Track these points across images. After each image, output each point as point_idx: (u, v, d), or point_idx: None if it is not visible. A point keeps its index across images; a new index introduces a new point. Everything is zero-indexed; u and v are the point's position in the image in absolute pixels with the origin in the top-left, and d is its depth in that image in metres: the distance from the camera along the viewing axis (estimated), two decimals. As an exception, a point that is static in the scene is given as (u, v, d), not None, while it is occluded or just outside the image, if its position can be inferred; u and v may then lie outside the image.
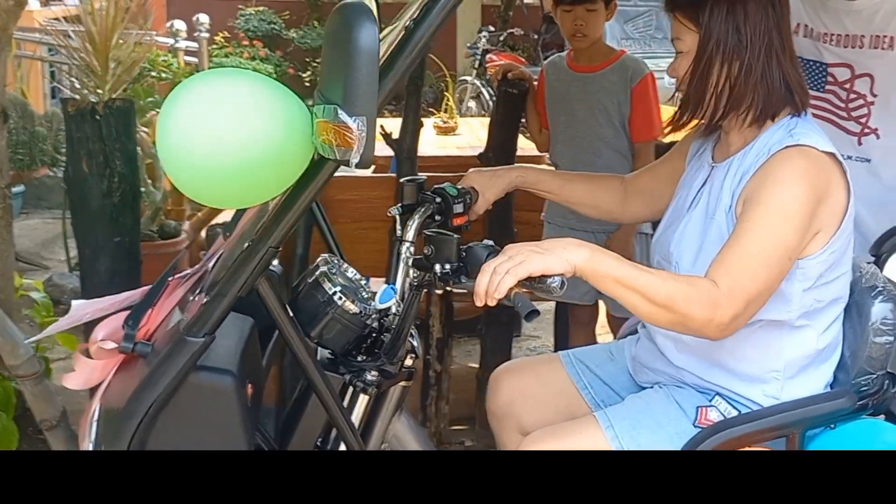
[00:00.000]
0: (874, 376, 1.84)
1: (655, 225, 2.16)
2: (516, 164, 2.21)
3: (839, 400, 1.82)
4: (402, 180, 1.97)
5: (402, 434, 2.04)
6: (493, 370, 2.28)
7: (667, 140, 2.58)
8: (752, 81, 1.81)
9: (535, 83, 3.35)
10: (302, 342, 1.70)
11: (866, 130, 2.53)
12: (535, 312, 1.64)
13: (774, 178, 1.75)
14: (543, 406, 2.14)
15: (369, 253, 2.95)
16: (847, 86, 2.56)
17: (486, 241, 1.77)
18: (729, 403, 1.89)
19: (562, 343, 3.54)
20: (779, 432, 1.82)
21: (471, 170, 2.15)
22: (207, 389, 1.66)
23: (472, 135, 5.73)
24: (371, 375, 1.86)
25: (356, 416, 1.88)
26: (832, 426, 1.83)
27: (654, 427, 1.88)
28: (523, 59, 10.20)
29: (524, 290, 1.64)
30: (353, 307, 1.81)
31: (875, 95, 2.54)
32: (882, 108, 2.53)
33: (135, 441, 1.61)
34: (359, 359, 1.89)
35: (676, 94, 1.95)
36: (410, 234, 1.86)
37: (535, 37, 10.96)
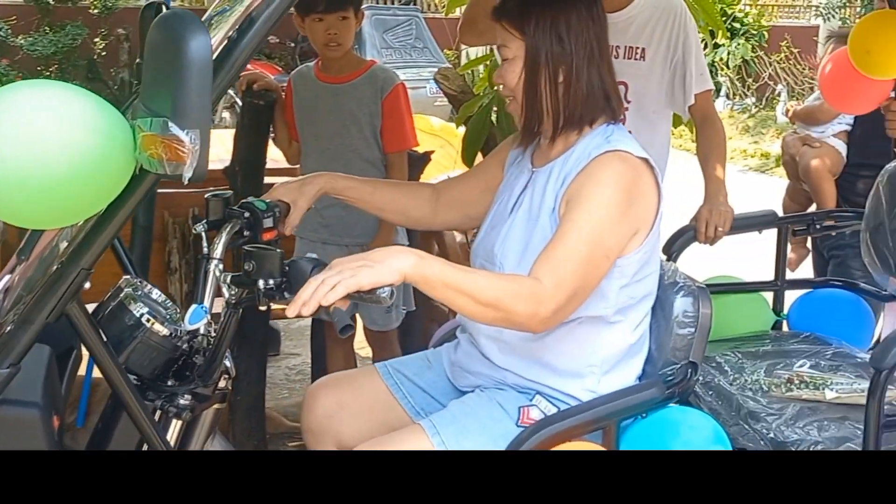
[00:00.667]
0: (678, 366, 1.95)
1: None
2: (323, 172, 2.18)
3: (650, 390, 1.92)
4: (206, 196, 1.88)
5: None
6: (244, 393, 2.22)
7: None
8: (576, 88, 1.90)
9: (284, 94, 3.21)
10: (118, 367, 1.59)
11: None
12: (350, 327, 1.62)
13: (594, 181, 1.83)
14: (363, 418, 2.11)
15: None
16: None
17: (310, 255, 1.72)
18: (549, 401, 1.95)
19: (318, 361, 3.45)
20: (596, 425, 1.90)
21: (278, 182, 2.09)
22: (12, 422, 1.52)
23: (221, 147, 5.50)
24: (184, 400, 1.77)
25: (169, 441, 1.79)
26: (644, 415, 1.92)
27: (479, 430, 1.90)
28: (279, 69, 10.08)
29: (354, 300, 1.62)
30: (163, 329, 1.73)
31: (629, 101, 2.76)
32: (635, 113, 2.75)
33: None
34: (169, 383, 1.79)
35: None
36: (218, 251, 1.77)
37: (293, 45, 10.85)
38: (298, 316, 1.60)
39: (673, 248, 2.32)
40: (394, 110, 3.05)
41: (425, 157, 3.36)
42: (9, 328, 1.48)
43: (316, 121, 3.09)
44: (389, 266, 1.62)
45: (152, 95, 1.27)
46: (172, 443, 1.78)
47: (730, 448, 1.92)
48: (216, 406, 1.86)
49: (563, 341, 1.91)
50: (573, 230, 1.79)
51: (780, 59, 12.29)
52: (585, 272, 1.78)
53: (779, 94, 12.21)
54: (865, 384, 2.30)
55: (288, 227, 2.00)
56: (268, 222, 1.89)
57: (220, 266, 1.76)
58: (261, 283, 1.68)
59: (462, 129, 3.68)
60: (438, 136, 5.58)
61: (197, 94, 1.21)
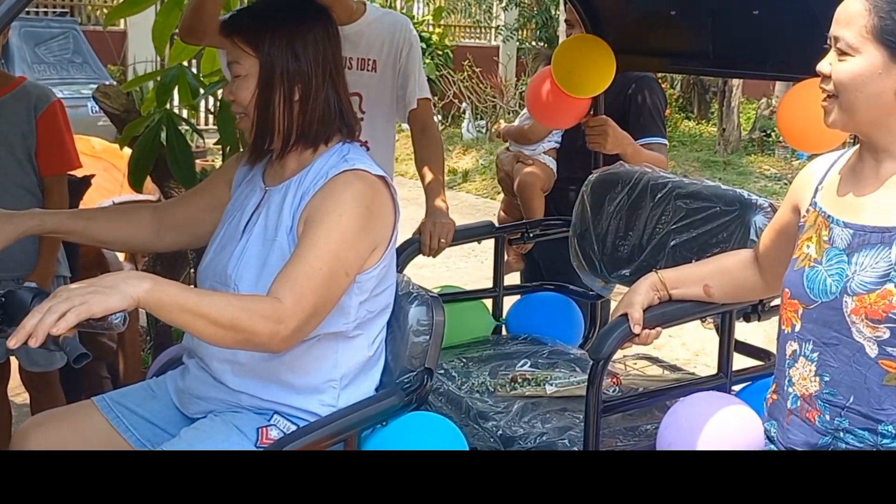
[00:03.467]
0: (415, 373, 2.03)
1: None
2: (35, 210, 2.06)
3: (390, 398, 1.98)
4: None
5: None
6: None
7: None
8: (313, 106, 1.92)
9: None
10: None
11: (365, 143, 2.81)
12: (86, 356, 1.55)
13: (334, 200, 1.85)
14: None
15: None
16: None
17: (28, 284, 1.63)
18: (287, 419, 1.94)
19: None
20: (337, 438, 1.92)
21: None
22: None
23: None
24: None
25: None
26: (384, 423, 1.98)
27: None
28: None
29: (84, 329, 1.55)
30: None
31: (364, 112, 2.84)
32: (369, 124, 2.83)
33: None
34: None
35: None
36: None
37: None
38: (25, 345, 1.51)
39: (399, 259, 2.41)
40: (50, 130, 2.85)
41: (85, 181, 3.20)
42: None
43: None
44: (122, 291, 1.56)
45: None
46: None
47: (466, 448, 2.02)
48: None
49: (302, 359, 1.92)
50: (312, 248, 1.80)
51: (464, 78, 12.74)
52: (326, 289, 1.80)
53: (464, 112, 12.75)
54: (581, 377, 2.53)
55: None
56: None
57: None
58: None
59: (127, 151, 3.50)
60: (101, 159, 5.35)
61: None
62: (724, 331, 2.27)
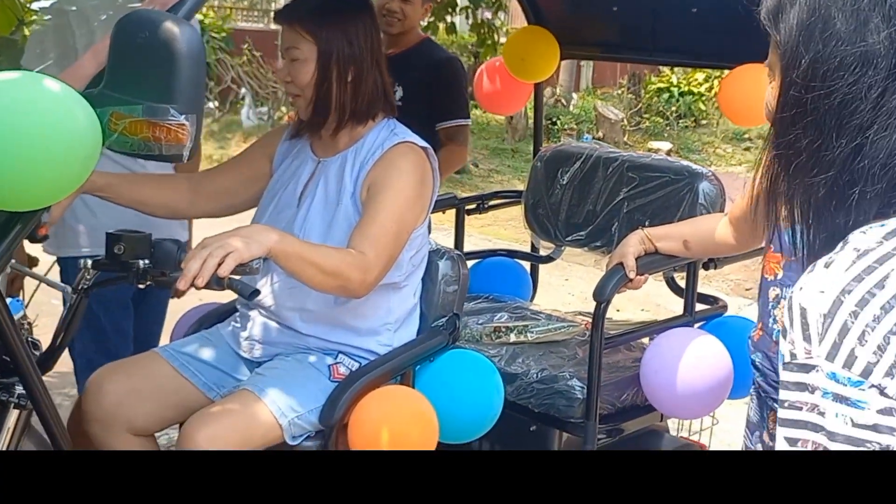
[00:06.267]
0: (447, 318, 2.42)
1: None
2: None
3: (437, 338, 2.36)
4: None
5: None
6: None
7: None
8: (363, 87, 2.25)
9: None
10: (28, 354, 1.68)
11: None
12: (258, 292, 1.86)
13: (395, 169, 2.20)
14: (154, 402, 2.26)
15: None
16: None
17: (172, 237, 1.90)
18: (351, 358, 2.29)
19: None
20: (397, 371, 2.30)
21: None
22: None
23: None
24: (20, 390, 1.85)
25: (8, 432, 1.89)
26: (431, 360, 2.37)
27: (299, 387, 2.18)
28: None
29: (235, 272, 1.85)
30: None
31: None
32: None
33: None
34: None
35: None
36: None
37: None
38: (193, 287, 1.80)
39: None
40: None
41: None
42: None
43: None
44: (259, 241, 1.86)
45: (128, 85, 1.44)
46: (16, 431, 1.88)
47: (497, 373, 2.42)
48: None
49: (362, 306, 2.25)
50: (382, 210, 2.14)
51: (243, 63, 12.22)
52: (396, 245, 2.16)
53: (243, 98, 12.30)
54: (554, 325, 2.98)
55: (52, 220, 2.03)
56: (44, 217, 2.00)
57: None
58: (141, 262, 1.83)
59: None
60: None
61: (194, 83, 1.42)
62: (690, 278, 2.77)
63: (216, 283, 1.79)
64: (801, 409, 0.99)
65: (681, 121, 13.74)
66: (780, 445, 1.00)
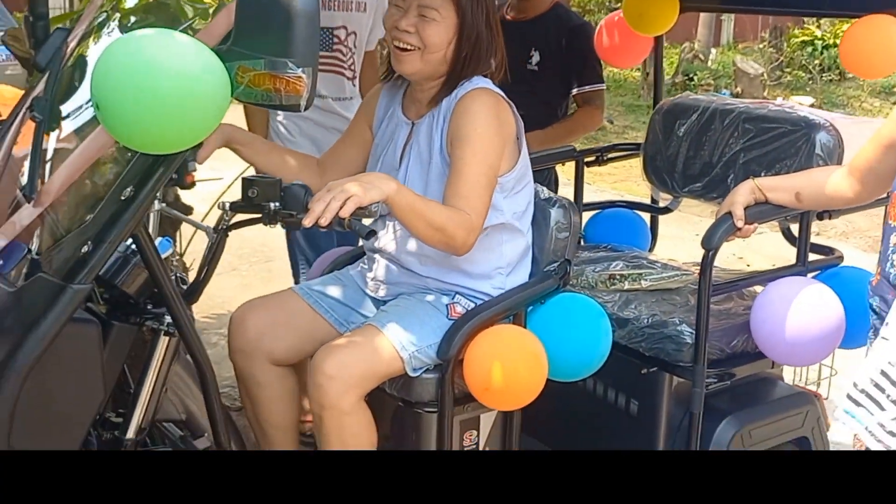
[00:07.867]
0: (559, 263, 2.53)
1: None
2: (233, 125, 2.48)
3: (548, 282, 2.49)
4: None
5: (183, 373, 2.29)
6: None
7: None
8: (478, 52, 2.36)
9: None
10: (173, 287, 1.90)
11: (356, 76, 3.53)
12: (374, 232, 2.03)
13: (470, 115, 2.30)
14: (292, 335, 2.48)
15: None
16: (347, 43, 3.45)
17: (298, 182, 2.08)
18: (468, 298, 2.45)
19: None
20: (510, 312, 2.44)
21: None
22: (75, 338, 1.79)
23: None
24: (170, 318, 2.08)
25: (158, 362, 2.12)
26: (542, 302, 2.49)
27: (419, 324, 2.35)
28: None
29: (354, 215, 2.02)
30: None
31: (356, 48, 3.50)
32: (359, 57, 3.51)
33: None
34: (148, 306, 2.11)
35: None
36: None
37: None
38: (316, 226, 1.97)
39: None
40: None
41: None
42: (84, 249, 1.74)
43: None
44: (379, 187, 2.04)
45: (252, 41, 1.60)
46: (166, 356, 2.12)
47: (606, 316, 2.52)
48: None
49: (475, 251, 2.37)
50: (468, 163, 2.26)
51: None
52: (488, 193, 2.29)
53: None
54: (668, 273, 3.05)
55: (200, 159, 2.23)
56: (191, 166, 2.20)
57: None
58: (272, 205, 2.02)
59: None
60: (10, 106, 5.44)
61: (310, 39, 1.58)
62: (803, 228, 2.80)
63: (338, 223, 1.97)
64: None
65: (825, 74, 13.29)
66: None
